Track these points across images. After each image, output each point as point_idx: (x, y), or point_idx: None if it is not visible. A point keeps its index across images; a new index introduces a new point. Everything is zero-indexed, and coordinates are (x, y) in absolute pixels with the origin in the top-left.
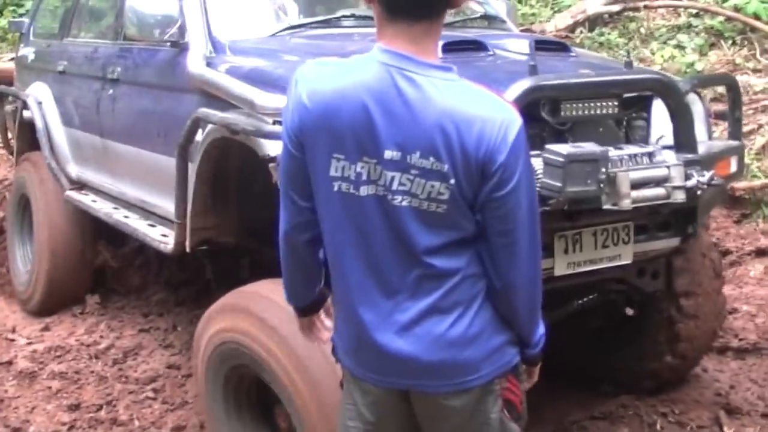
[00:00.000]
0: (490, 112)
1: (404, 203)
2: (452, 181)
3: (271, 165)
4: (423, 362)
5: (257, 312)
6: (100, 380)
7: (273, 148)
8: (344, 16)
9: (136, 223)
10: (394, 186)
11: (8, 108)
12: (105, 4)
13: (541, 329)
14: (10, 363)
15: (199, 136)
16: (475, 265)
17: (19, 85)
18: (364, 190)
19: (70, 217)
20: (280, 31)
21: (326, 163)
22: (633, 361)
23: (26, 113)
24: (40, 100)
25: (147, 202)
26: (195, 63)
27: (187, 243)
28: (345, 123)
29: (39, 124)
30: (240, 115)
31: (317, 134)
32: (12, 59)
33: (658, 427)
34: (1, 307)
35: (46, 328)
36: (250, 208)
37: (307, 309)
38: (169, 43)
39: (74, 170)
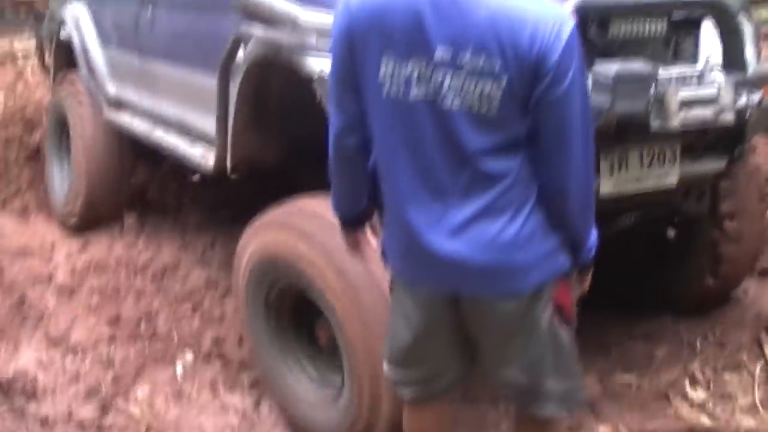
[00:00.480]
0: (544, 10)
1: (455, 105)
2: (504, 81)
3: (315, 82)
4: (473, 265)
5: (301, 225)
6: (139, 295)
7: (317, 65)
8: None
9: (176, 142)
10: (445, 87)
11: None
12: None
13: (594, 234)
14: (50, 278)
15: (241, 55)
16: (526, 168)
17: (55, 6)
18: (414, 94)
19: (107, 137)
20: None
21: (375, 66)
22: (674, 283)
23: (63, 33)
24: (78, 20)
25: (187, 121)
26: None
27: (228, 162)
28: (395, 22)
29: (77, 43)
30: (283, 33)
31: (367, 35)
32: None
33: (698, 347)
34: (41, 225)
35: (85, 245)
36: (293, 128)
37: (354, 221)
38: None
39: (112, 89)
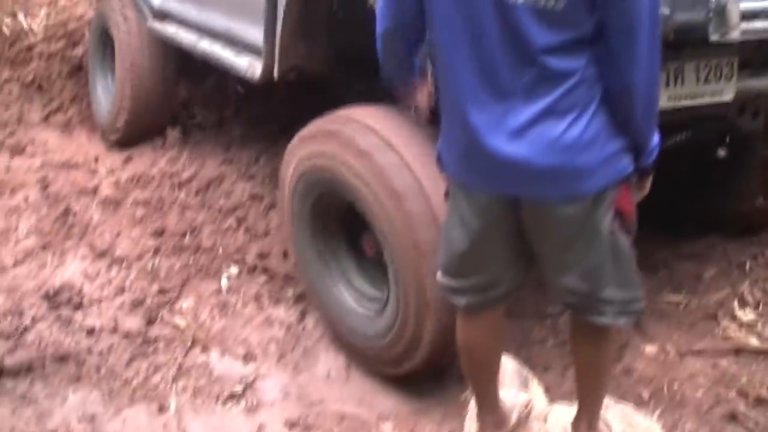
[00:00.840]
0: None
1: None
2: None
3: None
4: (536, 167)
5: (348, 135)
6: (184, 208)
7: None
8: None
9: (222, 52)
10: None
11: None
12: None
13: (656, 138)
14: (94, 191)
15: None
16: (592, 68)
17: None
18: None
19: (151, 50)
20: None
21: None
22: (723, 204)
23: None
24: None
25: (234, 30)
26: None
27: (275, 70)
28: None
29: None
30: None
31: None
32: None
33: (747, 267)
34: (84, 139)
35: (129, 159)
36: (341, 38)
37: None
38: None
39: (157, 0)
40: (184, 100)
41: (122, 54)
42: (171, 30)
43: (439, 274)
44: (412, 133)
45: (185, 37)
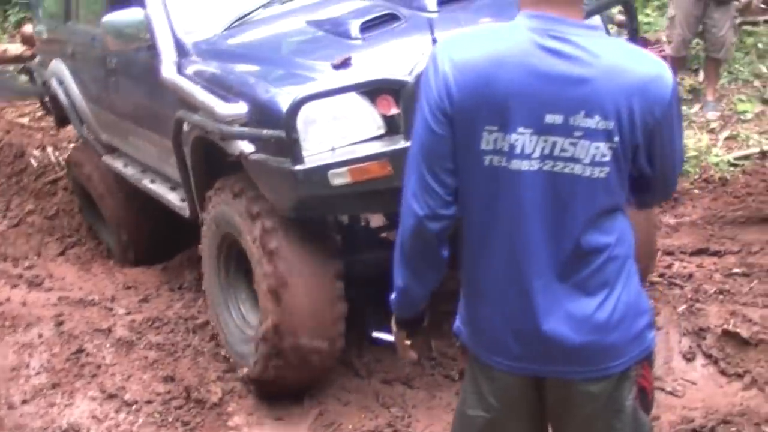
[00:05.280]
0: (650, 68)
1: (566, 170)
2: (617, 139)
3: (244, 158)
4: (569, 346)
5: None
6: (197, 354)
7: (243, 145)
8: None
9: (159, 188)
10: (556, 153)
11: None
12: None
13: None
14: (109, 331)
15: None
16: (621, 243)
17: (41, 58)
18: (517, 164)
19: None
20: (235, 22)
21: (477, 137)
22: None
23: (51, 90)
24: (60, 76)
25: (164, 171)
26: (167, 70)
27: (200, 212)
28: (501, 91)
29: (64, 101)
30: (203, 117)
31: (469, 106)
32: None
33: None
34: (101, 277)
35: (145, 300)
36: None
37: (414, 319)
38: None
39: (105, 137)
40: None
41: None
42: (120, 165)
43: None
44: None
45: (131, 171)
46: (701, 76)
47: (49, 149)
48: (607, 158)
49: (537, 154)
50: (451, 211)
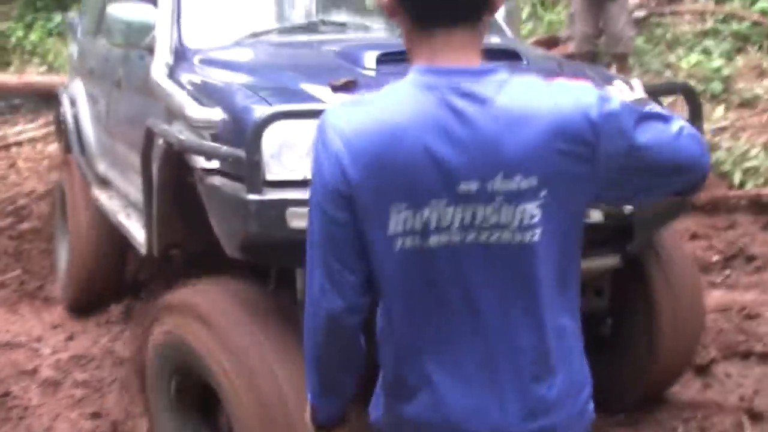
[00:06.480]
0: (564, 101)
1: (492, 240)
2: (543, 194)
3: (198, 179)
4: None
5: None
6: (123, 388)
7: (201, 162)
8: (311, 23)
9: (130, 224)
10: (477, 222)
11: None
12: None
13: None
14: (34, 371)
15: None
16: (571, 316)
17: (68, 79)
18: (435, 240)
19: (97, 221)
20: (252, 36)
21: (384, 218)
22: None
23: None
24: (74, 99)
25: (137, 201)
26: (156, 71)
27: (154, 246)
28: (403, 164)
29: (69, 122)
30: (178, 128)
31: (370, 185)
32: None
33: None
34: (28, 317)
35: (71, 337)
36: None
37: (337, 418)
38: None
39: (102, 168)
40: (133, 271)
41: (70, 221)
42: (105, 198)
43: None
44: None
45: (111, 205)
46: (612, 71)
47: None
48: (536, 218)
49: (456, 227)
50: (368, 297)
